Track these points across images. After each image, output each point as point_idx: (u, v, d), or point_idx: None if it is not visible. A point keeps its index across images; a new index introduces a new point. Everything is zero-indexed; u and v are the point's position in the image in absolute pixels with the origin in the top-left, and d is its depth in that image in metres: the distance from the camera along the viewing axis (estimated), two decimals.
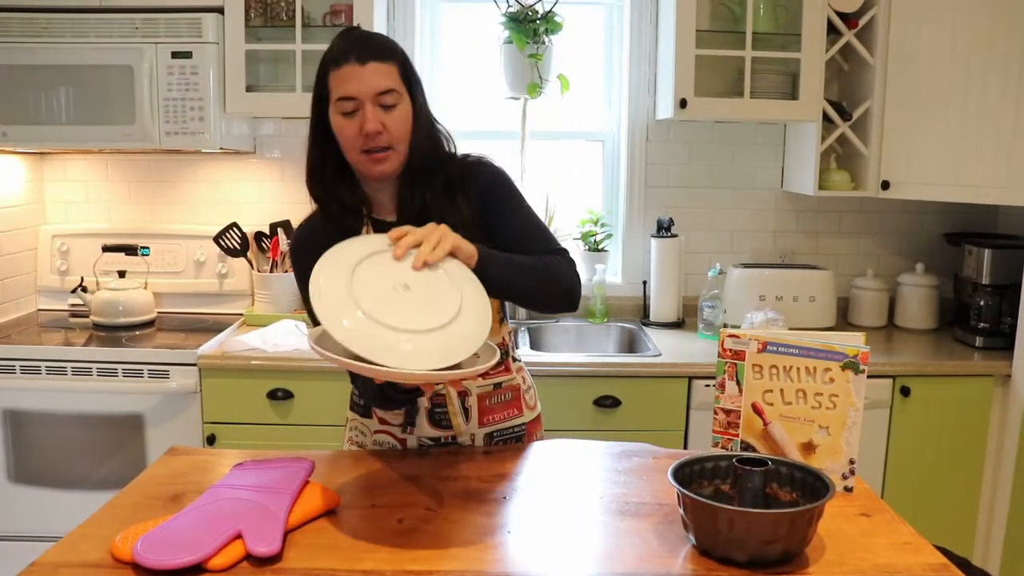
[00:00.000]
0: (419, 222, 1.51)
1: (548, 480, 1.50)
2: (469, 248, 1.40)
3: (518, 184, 1.70)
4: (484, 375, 1.66)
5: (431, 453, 1.65)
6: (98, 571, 1.17)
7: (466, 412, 1.67)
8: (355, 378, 1.63)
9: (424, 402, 1.65)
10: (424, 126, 1.59)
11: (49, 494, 2.66)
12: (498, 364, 1.67)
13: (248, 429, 2.60)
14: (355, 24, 1.58)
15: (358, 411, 1.76)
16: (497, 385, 1.71)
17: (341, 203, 1.60)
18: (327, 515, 1.35)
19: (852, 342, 1.47)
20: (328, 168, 1.59)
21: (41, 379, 2.61)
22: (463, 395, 1.67)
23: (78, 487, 2.65)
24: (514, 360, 1.77)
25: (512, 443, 1.73)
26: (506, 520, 1.35)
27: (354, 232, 1.58)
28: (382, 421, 1.69)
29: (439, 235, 1.37)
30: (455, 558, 1.21)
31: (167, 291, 3.17)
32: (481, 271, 1.41)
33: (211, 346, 2.68)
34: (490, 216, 1.63)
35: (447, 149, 1.64)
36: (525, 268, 1.51)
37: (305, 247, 1.61)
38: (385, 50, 1.53)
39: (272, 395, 2.58)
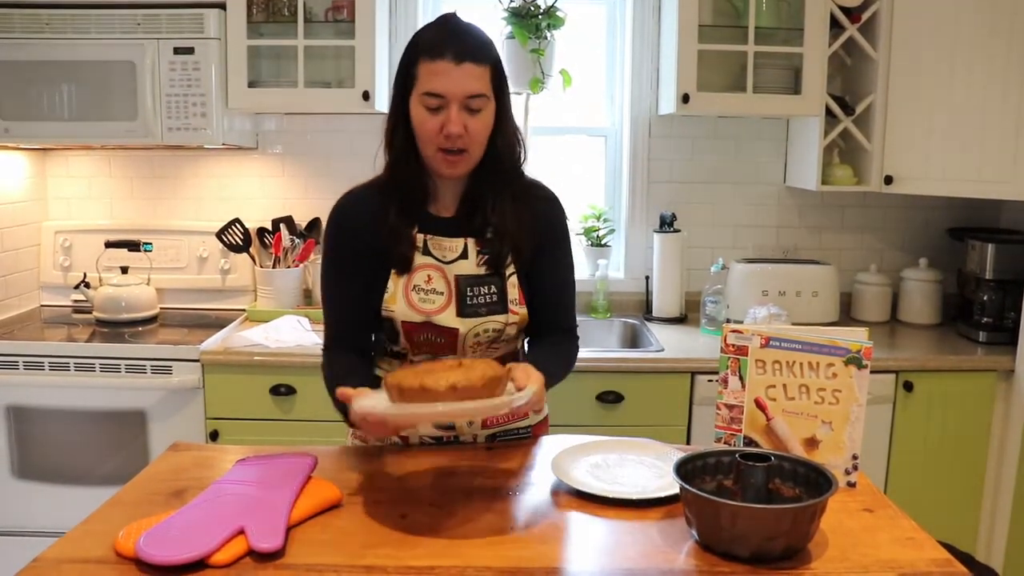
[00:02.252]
0: (474, 224, 1.58)
1: (550, 476, 1.50)
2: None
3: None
4: None
5: (434, 449, 1.65)
6: (101, 567, 1.17)
7: None
8: None
9: None
10: (507, 133, 1.59)
11: (52, 490, 2.67)
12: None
13: (251, 425, 2.60)
14: (451, 12, 1.58)
15: None
16: None
17: (410, 188, 1.59)
18: (330, 511, 1.35)
19: (855, 337, 1.47)
20: (408, 150, 1.57)
21: (44, 375, 2.61)
22: None
23: (81, 483, 2.66)
24: None
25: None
26: (509, 516, 1.34)
27: (405, 224, 1.59)
28: None
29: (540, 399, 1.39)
30: (458, 554, 1.21)
31: (170, 287, 3.17)
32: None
33: (214, 342, 2.68)
34: (543, 254, 1.66)
35: (521, 160, 1.64)
36: (560, 375, 1.63)
37: (344, 218, 1.63)
38: (482, 51, 1.51)
39: (275, 391, 2.59)
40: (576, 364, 2.51)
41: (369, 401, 1.35)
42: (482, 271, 1.61)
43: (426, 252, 1.60)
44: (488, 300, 1.60)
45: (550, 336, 1.71)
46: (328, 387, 1.61)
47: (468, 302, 1.59)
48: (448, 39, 1.49)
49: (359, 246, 1.60)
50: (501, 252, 1.61)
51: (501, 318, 1.61)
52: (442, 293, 1.59)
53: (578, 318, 1.79)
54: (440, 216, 1.63)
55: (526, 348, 1.80)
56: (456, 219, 1.63)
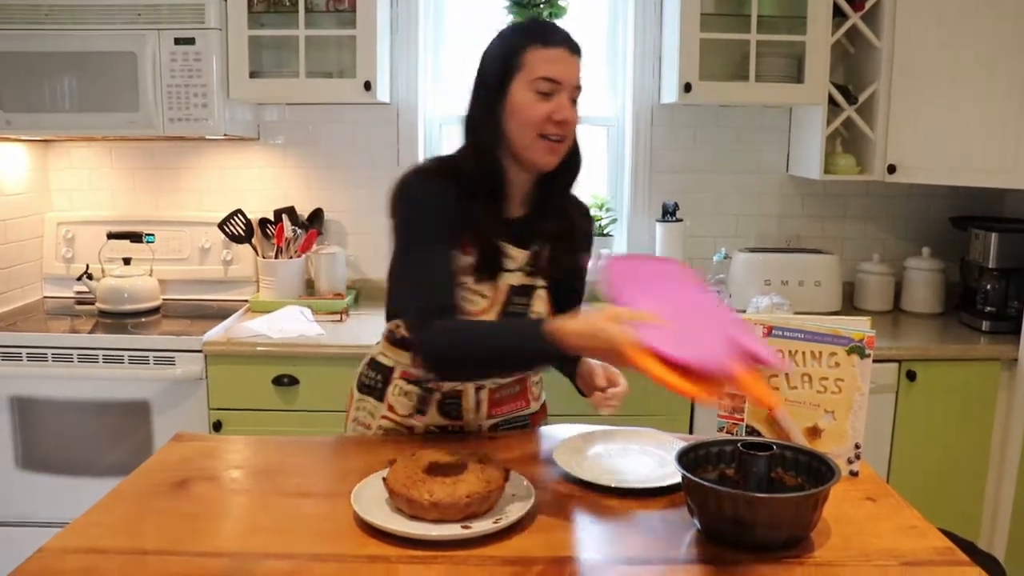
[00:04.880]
0: (544, 222, 1.59)
1: (553, 465, 1.50)
2: None
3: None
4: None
5: (438, 438, 1.65)
6: (104, 557, 1.18)
7: (477, 404, 1.67)
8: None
9: (436, 393, 1.65)
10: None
11: (56, 480, 2.68)
12: None
13: (254, 415, 2.61)
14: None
15: (373, 394, 1.70)
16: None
17: (492, 184, 1.56)
18: (331, 505, 1.35)
19: (858, 326, 1.46)
20: (496, 143, 1.54)
21: (47, 366, 2.62)
22: (478, 388, 1.66)
23: (85, 473, 2.66)
24: None
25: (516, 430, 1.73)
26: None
27: (493, 229, 1.55)
28: (391, 408, 1.68)
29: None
30: (461, 544, 1.21)
31: (172, 278, 3.17)
32: None
33: (216, 333, 2.68)
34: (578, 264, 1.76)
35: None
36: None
37: (431, 193, 1.53)
38: (580, 48, 1.55)
39: (278, 381, 2.59)
40: None
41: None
42: (529, 281, 1.62)
43: None
44: (525, 310, 1.62)
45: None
46: (483, 342, 1.46)
47: (508, 310, 1.59)
48: (557, 32, 1.52)
49: (445, 219, 1.51)
50: (555, 260, 1.64)
51: None
52: (486, 296, 1.57)
53: (581, 309, 1.72)
54: (511, 218, 1.61)
55: None
56: (524, 220, 1.61)
